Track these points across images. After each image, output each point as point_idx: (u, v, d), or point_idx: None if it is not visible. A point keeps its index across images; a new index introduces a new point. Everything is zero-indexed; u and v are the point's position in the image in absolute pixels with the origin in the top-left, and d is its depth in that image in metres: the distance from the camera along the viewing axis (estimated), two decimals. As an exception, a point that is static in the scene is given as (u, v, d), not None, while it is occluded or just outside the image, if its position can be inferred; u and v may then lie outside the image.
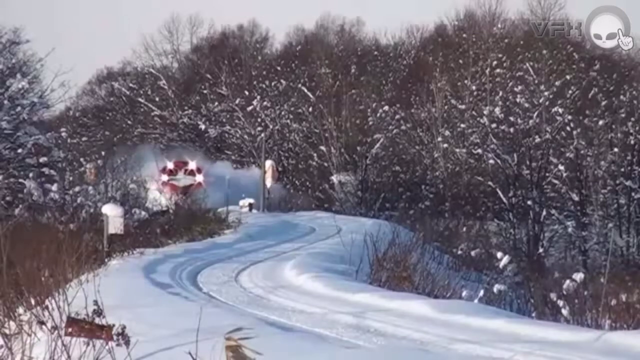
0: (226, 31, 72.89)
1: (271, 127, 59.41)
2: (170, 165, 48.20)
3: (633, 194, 43.72)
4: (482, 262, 30.67)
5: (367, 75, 62.66)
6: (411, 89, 58.29)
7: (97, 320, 8.81)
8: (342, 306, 15.06)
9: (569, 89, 52.32)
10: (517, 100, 51.11)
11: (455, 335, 12.03)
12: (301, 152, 58.39)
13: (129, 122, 67.45)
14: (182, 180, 47.64)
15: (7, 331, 12.20)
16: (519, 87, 52.02)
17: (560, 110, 48.98)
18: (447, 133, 52.87)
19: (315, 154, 56.14)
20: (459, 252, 31.57)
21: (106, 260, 21.10)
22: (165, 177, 46.50)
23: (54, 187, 29.95)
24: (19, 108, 32.99)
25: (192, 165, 48.63)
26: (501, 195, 46.83)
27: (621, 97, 50.25)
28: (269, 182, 49.35)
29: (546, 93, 50.77)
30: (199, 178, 47.70)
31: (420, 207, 48.53)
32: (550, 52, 53.64)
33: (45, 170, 31.51)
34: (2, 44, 34.83)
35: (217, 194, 41.63)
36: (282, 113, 60.14)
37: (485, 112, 51.79)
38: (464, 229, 41.04)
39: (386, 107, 56.43)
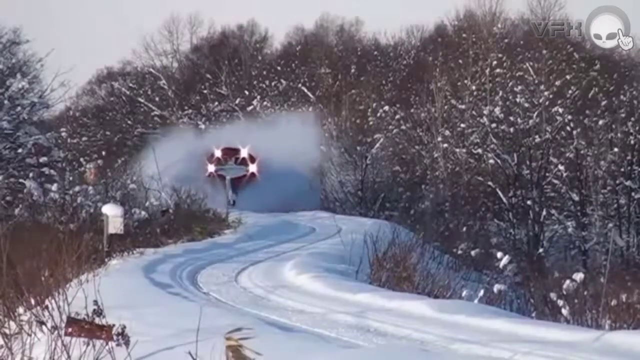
0: (226, 31, 72.86)
1: (271, 127, 59.38)
2: (218, 153, 42.82)
3: (633, 194, 43.70)
4: (482, 262, 30.67)
5: (367, 75, 62.56)
6: (411, 89, 58.20)
7: (97, 320, 8.83)
8: (342, 306, 15.06)
9: (569, 89, 52.25)
10: (517, 100, 51.02)
11: (455, 335, 12.03)
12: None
13: (129, 122, 67.36)
14: (232, 170, 42.56)
15: (7, 331, 12.20)
16: (519, 87, 51.91)
17: (560, 110, 48.95)
18: (447, 133, 52.78)
19: (315, 154, 56.12)
20: (459, 252, 31.57)
21: (106, 260, 21.11)
22: (212, 167, 41.90)
23: (54, 187, 29.87)
24: (19, 108, 32.99)
25: (243, 152, 43.15)
26: (501, 195, 46.78)
27: (621, 97, 50.22)
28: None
29: (546, 93, 50.72)
30: (252, 168, 42.56)
31: (420, 207, 48.48)
32: (550, 52, 53.58)
33: (45, 170, 31.49)
34: (2, 44, 34.87)
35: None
36: (282, 113, 60.10)
37: (485, 112, 51.72)
38: (464, 229, 41.04)
39: (386, 107, 56.38)
